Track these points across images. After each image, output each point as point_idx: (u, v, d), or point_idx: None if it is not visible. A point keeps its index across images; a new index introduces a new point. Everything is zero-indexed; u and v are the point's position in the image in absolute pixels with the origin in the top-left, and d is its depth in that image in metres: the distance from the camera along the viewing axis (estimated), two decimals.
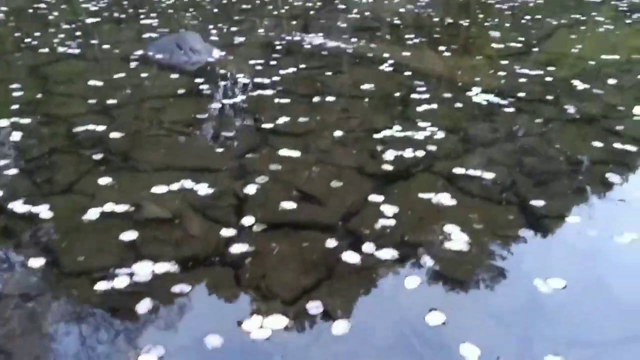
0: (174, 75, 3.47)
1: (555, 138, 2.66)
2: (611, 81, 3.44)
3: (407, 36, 4.46)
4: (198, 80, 3.35)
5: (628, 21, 5.24)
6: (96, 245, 1.83)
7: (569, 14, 5.41)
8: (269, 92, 3.18)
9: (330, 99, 3.12)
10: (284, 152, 2.47)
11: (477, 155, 2.48)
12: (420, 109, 2.98)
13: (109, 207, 2.03)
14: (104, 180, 2.21)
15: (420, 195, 2.12)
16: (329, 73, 3.57)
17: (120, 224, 1.93)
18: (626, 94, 3.27)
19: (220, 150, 2.51)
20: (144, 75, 3.46)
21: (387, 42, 4.38)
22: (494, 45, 4.24)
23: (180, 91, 3.21)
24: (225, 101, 3.04)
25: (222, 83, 3.33)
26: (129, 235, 1.87)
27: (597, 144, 2.57)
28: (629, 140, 2.61)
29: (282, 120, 2.81)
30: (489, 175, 2.27)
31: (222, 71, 3.53)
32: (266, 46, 4.18)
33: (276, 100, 3.07)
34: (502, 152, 2.52)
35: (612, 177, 2.27)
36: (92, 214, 1.99)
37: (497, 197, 2.15)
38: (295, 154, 2.45)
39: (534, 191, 2.17)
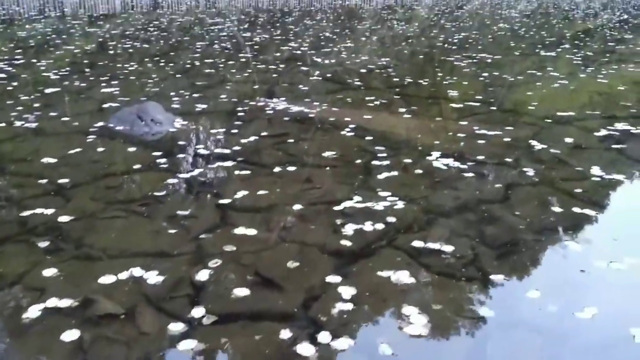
0: (132, 149, 3.41)
1: (516, 204, 2.66)
2: (568, 140, 3.51)
3: (367, 98, 4.52)
4: (157, 153, 3.30)
5: (582, 75, 5.43)
6: (39, 349, 1.72)
7: (525, 70, 5.58)
8: (229, 163, 3.15)
9: (291, 168, 3.09)
10: (242, 230, 2.41)
11: (438, 227, 2.46)
12: (381, 176, 2.97)
13: (55, 302, 1.93)
14: (53, 271, 2.12)
15: (380, 273, 2.08)
16: (291, 140, 3.57)
17: (67, 322, 1.83)
18: (583, 153, 3.34)
19: (176, 231, 2.44)
20: (101, 149, 3.40)
21: (349, 105, 4.42)
22: (453, 105, 4.33)
23: (139, 166, 3.14)
24: (183, 176, 2.99)
25: (181, 155, 3.28)
26: (75, 336, 1.77)
27: (557, 209, 2.58)
28: (588, 203, 2.63)
29: (241, 194, 2.76)
30: (450, 249, 2.24)
31: (182, 142, 3.50)
32: (228, 113, 4.18)
33: (236, 172, 3.04)
34: (464, 221, 2.51)
35: (572, 245, 2.27)
36: (35, 311, 1.88)
37: (458, 272, 2.11)
38: (254, 232, 2.40)
39: (495, 264, 2.15)
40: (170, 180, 2.92)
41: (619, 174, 2.98)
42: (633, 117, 4.03)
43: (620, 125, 3.80)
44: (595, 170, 3.00)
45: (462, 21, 11.38)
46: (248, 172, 3.03)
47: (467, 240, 2.33)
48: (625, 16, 13.61)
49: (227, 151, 3.32)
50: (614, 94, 4.85)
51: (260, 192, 2.78)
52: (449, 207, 2.64)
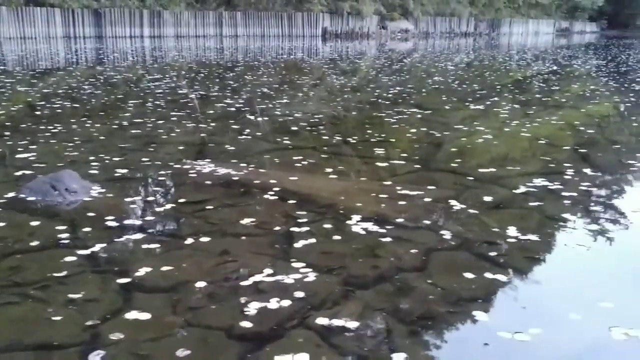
0: (37, 223, 3.20)
1: (433, 272, 2.61)
2: (487, 198, 3.54)
3: (295, 158, 4.49)
4: (62, 227, 3.11)
5: (507, 129, 5.59)
6: None
7: (453, 125, 5.70)
8: (138, 236, 2.99)
9: (207, 239, 2.97)
10: (142, 314, 2.25)
11: (353, 301, 2.37)
12: (297, 245, 2.89)
13: None
14: None
15: (278, 358, 1.96)
16: (210, 207, 3.45)
17: None
18: (501, 213, 3.36)
19: (71, 318, 2.25)
20: (3, 224, 3.18)
21: (276, 166, 4.37)
22: (379, 164, 4.34)
23: (42, 243, 2.95)
24: (87, 252, 2.81)
25: (88, 229, 3.10)
26: None
27: (469, 275, 2.55)
28: (500, 268, 2.61)
29: (149, 271, 2.60)
30: (362, 325, 2.15)
31: (91, 214, 3.32)
32: (149, 178, 4.04)
33: (144, 245, 2.88)
34: (380, 293, 2.43)
35: (480, 315, 2.22)
36: None
37: (368, 353, 2.01)
38: (157, 315, 2.24)
39: (406, 343, 2.07)
40: (73, 259, 2.74)
41: (534, 234, 2.99)
42: (551, 173, 4.14)
43: (538, 181, 3.88)
44: (512, 231, 3.01)
45: (399, 74, 11.72)
46: (157, 245, 2.89)
47: (380, 315, 2.25)
48: (555, 67, 14.40)
49: (138, 222, 3.17)
50: (535, 148, 5.00)
51: (170, 269, 2.63)
52: (365, 278, 2.57)
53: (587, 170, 4.19)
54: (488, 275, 2.54)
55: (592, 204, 3.52)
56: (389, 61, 16.34)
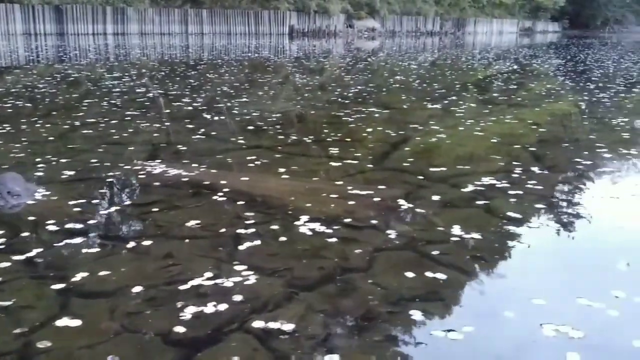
0: None
1: (377, 272, 2.62)
2: (435, 197, 3.57)
3: (249, 158, 4.45)
4: (0, 232, 3.01)
5: (461, 128, 5.65)
6: None
7: (408, 124, 5.75)
8: (79, 240, 2.92)
9: (148, 242, 2.92)
10: (78, 321, 2.19)
11: (295, 303, 2.36)
12: (243, 247, 2.86)
13: None
14: None
15: None
16: (156, 209, 3.39)
17: None
18: (447, 212, 3.40)
19: (4, 325, 2.19)
20: None
21: (228, 166, 4.33)
22: (332, 163, 4.34)
23: None
24: (21, 257, 2.72)
25: (27, 234, 3.01)
26: None
27: (410, 274, 2.56)
28: (440, 267, 2.63)
29: (87, 277, 2.54)
30: (300, 328, 2.15)
31: (33, 218, 3.22)
32: (96, 180, 3.95)
33: (85, 250, 2.81)
34: (322, 295, 2.42)
35: (416, 314, 2.24)
36: None
37: (305, 356, 2.01)
38: (93, 321, 2.19)
39: (342, 345, 2.07)
40: (8, 264, 2.66)
41: (478, 232, 3.03)
42: (501, 171, 4.20)
43: (487, 180, 3.93)
44: (456, 230, 3.04)
45: (363, 73, 11.77)
46: (99, 249, 2.82)
47: (321, 317, 2.25)
48: (515, 66, 14.68)
49: (81, 226, 3.09)
50: (489, 147, 5.08)
51: (109, 273, 2.58)
52: (309, 279, 2.56)
53: (535, 169, 4.28)
54: (429, 274, 2.56)
55: (538, 202, 3.59)
56: (354, 60, 16.40)
